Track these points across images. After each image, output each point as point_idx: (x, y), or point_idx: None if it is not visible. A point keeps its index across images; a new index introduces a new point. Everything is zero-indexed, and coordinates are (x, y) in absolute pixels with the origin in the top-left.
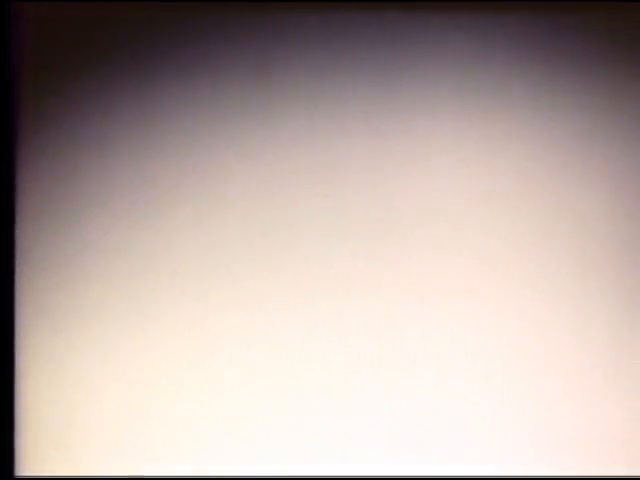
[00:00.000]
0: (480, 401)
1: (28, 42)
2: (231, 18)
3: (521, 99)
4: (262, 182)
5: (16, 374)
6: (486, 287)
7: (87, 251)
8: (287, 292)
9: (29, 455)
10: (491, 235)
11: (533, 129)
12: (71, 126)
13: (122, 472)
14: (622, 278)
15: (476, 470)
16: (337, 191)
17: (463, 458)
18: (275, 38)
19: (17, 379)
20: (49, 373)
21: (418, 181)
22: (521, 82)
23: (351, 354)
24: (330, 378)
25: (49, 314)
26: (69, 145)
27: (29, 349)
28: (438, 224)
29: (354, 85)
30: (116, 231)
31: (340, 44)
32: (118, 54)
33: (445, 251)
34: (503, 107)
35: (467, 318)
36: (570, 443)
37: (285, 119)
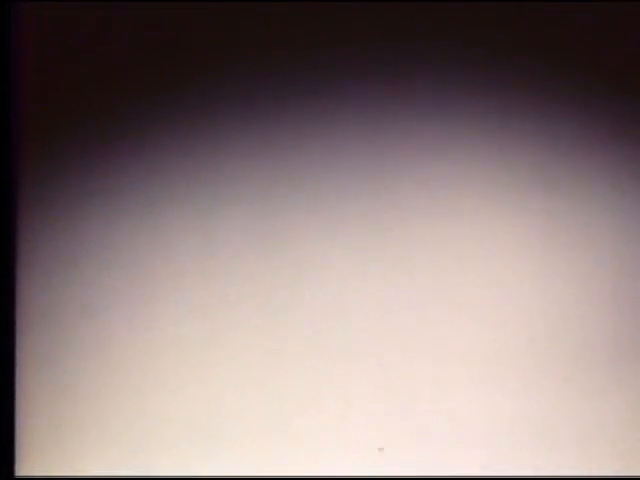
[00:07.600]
0: (479, 400)
1: (28, 42)
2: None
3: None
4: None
5: (16, 374)
6: (487, 284)
7: (87, 251)
8: (286, 291)
9: (29, 455)
10: (494, 233)
11: (533, 134)
12: (73, 124)
13: (122, 472)
14: (623, 279)
15: (475, 470)
16: (336, 189)
17: (462, 458)
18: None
19: (17, 379)
20: (49, 373)
21: (422, 179)
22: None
23: (350, 354)
24: (329, 377)
25: (49, 314)
26: (70, 145)
27: (29, 349)
28: (440, 220)
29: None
30: (116, 231)
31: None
32: (119, 53)
33: (445, 249)
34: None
35: (467, 316)
36: (570, 443)
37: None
